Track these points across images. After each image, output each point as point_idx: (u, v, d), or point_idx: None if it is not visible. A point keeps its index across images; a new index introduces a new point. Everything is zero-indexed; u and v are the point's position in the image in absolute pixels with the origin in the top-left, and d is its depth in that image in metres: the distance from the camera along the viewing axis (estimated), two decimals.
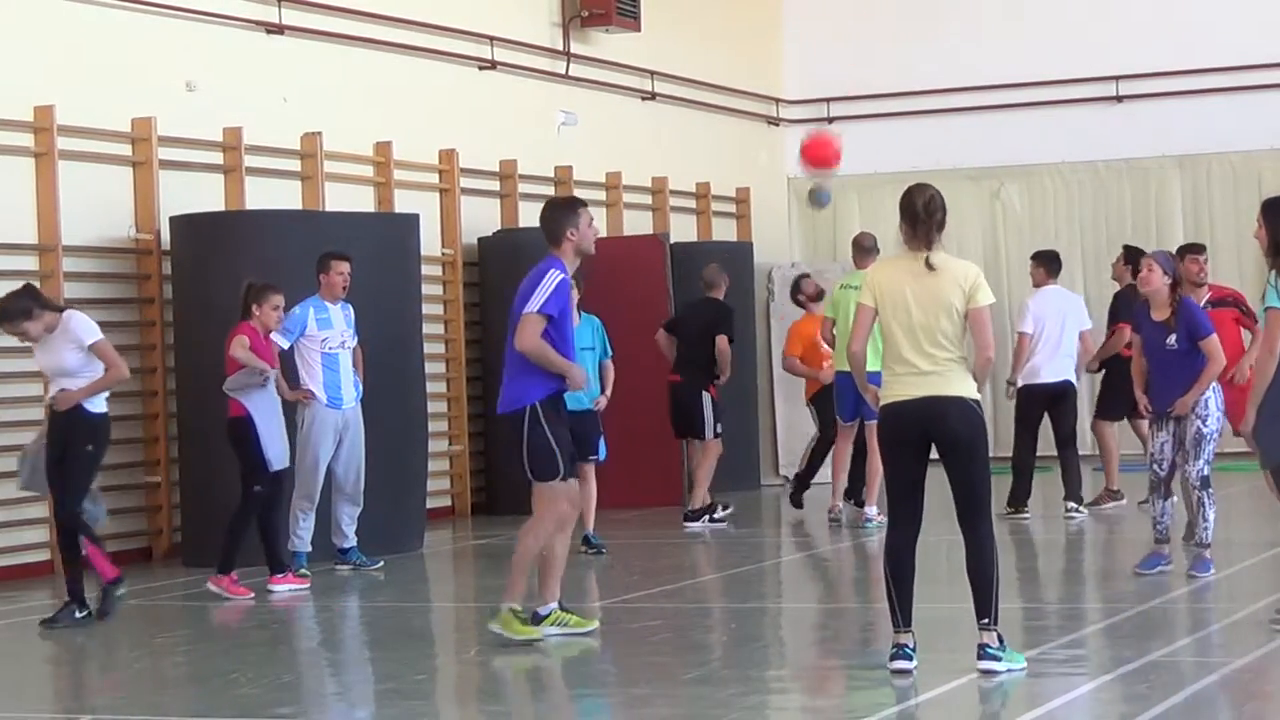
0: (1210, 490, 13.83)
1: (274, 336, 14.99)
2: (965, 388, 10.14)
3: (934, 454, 10.23)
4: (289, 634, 13.54)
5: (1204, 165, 25.66)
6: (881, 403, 10.33)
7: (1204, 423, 13.75)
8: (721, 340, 18.76)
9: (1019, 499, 18.45)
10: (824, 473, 19.07)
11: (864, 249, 18.48)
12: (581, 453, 15.25)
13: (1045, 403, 18.49)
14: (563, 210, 12.21)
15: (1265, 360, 11.34)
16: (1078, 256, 25.03)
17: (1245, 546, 15.65)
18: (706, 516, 18.76)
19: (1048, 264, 18.94)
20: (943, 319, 10.08)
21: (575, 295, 13.37)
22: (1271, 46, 25.14)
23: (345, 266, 15.67)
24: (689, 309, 19.62)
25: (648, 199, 23.91)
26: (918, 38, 26.45)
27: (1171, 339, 13.73)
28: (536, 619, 11.96)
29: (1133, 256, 17.47)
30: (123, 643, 12.99)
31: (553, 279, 11.73)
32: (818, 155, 11.89)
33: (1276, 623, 11.36)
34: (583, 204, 12.35)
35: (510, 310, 11.99)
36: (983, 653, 10.16)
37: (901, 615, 10.30)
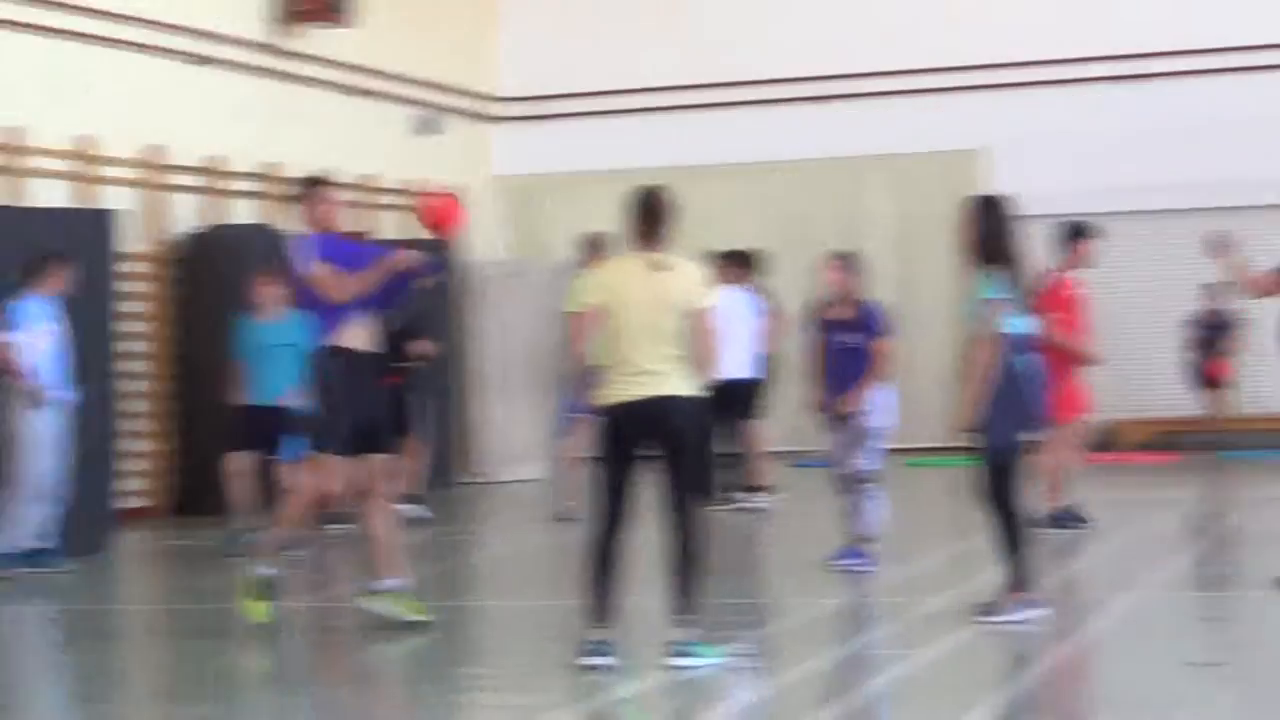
0: (871, 485, 14.12)
1: (5, 336, 14.83)
2: (688, 386, 10.27)
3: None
4: None
5: (903, 164, 26.15)
6: (606, 402, 10.39)
7: (868, 419, 14.05)
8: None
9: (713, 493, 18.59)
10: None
11: (596, 247, 18.47)
12: (274, 446, 15.69)
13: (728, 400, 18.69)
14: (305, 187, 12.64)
15: (983, 354, 11.54)
16: (779, 257, 25.16)
17: (935, 539, 15.94)
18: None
19: (737, 263, 19.02)
20: (669, 319, 10.20)
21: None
22: (963, 49, 25.63)
23: (66, 268, 15.41)
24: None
25: (359, 196, 23.72)
26: (633, 37, 26.55)
27: (849, 337, 14.01)
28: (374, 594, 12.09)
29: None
30: None
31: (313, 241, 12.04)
32: (438, 218, 11.89)
33: (980, 616, 11.56)
34: (322, 181, 12.75)
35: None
36: (679, 648, 10.24)
37: (601, 611, 10.34)
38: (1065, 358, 15.28)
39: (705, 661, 10.24)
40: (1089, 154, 25.05)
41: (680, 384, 10.28)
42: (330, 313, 11.90)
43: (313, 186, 12.64)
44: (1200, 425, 23.95)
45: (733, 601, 13.09)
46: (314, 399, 12.07)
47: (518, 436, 22.28)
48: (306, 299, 12.09)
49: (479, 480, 21.60)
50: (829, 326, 14.25)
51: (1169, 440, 24.04)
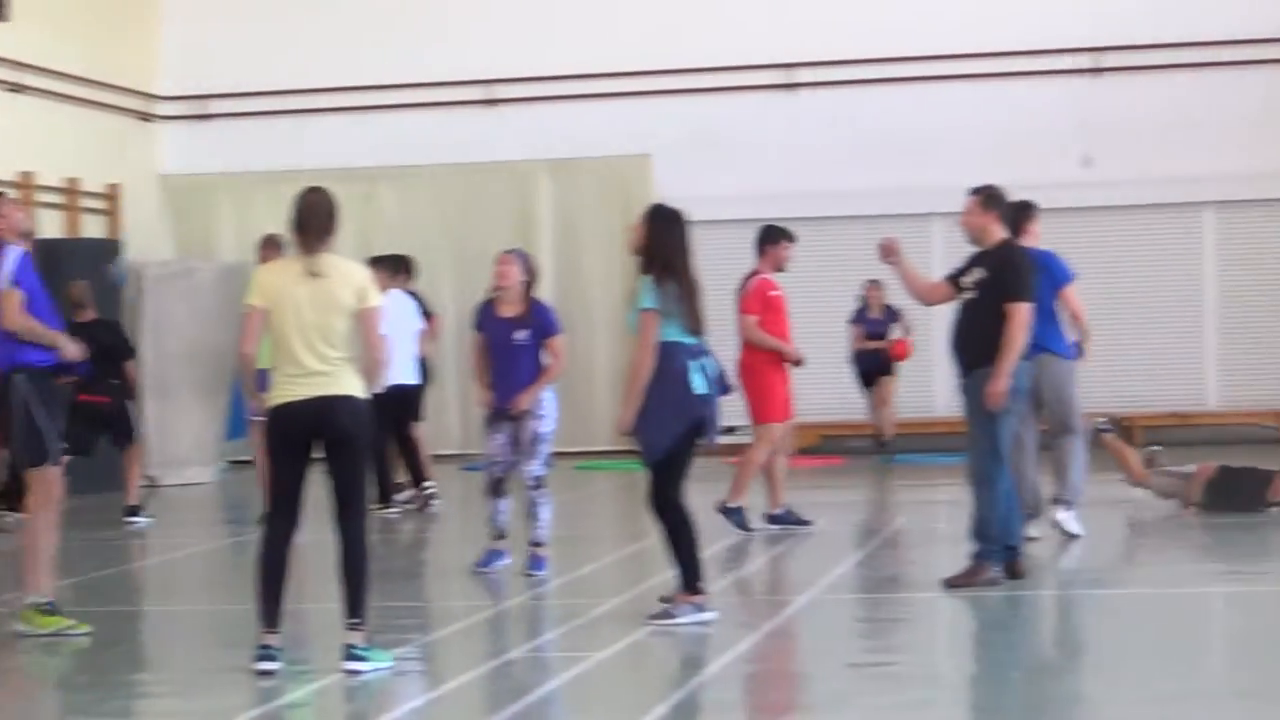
0: (545, 490, 14.03)
1: None
2: (355, 387, 10.22)
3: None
4: None
5: (573, 169, 26.04)
6: (272, 403, 10.30)
7: (541, 422, 14.00)
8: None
9: (385, 496, 18.51)
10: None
11: (275, 246, 18.29)
12: None
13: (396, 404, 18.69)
14: None
15: (641, 360, 11.52)
16: (449, 259, 25.16)
17: (606, 542, 15.98)
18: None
19: (391, 268, 18.93)
20: (335, 320, 10.16)
21: None
22: (629, 56, 25.72)
23: None
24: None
25: (15, 193, 23.25)
26: (295, 37, 26.36)
27: (520, 334, 13.93)
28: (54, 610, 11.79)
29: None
30: None
31: (13, 256, 11.72)
32: None
33: (652, 618, 11.58)
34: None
35: None
36: (349, 653, 10.14)
37: (270, 615, 10.23)
38: (772, 359, 15.54)
39: (374, 666, 10.19)
40: (751, 161, 25.32)
41: (347, 385, 10.27)
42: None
43: None
44: (865, 429, 24.35)
45: (404, 605, 13.08)
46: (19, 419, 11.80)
47: (186, 439, 21.98)
48: None
49: (147, 484, 21.24)
50: (499, 324, 14.17)
51: (834, 445, 24.37)
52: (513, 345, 13.88)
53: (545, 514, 14.02)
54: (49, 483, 11.82)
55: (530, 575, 13.80)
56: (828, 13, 25.37)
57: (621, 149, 25.80)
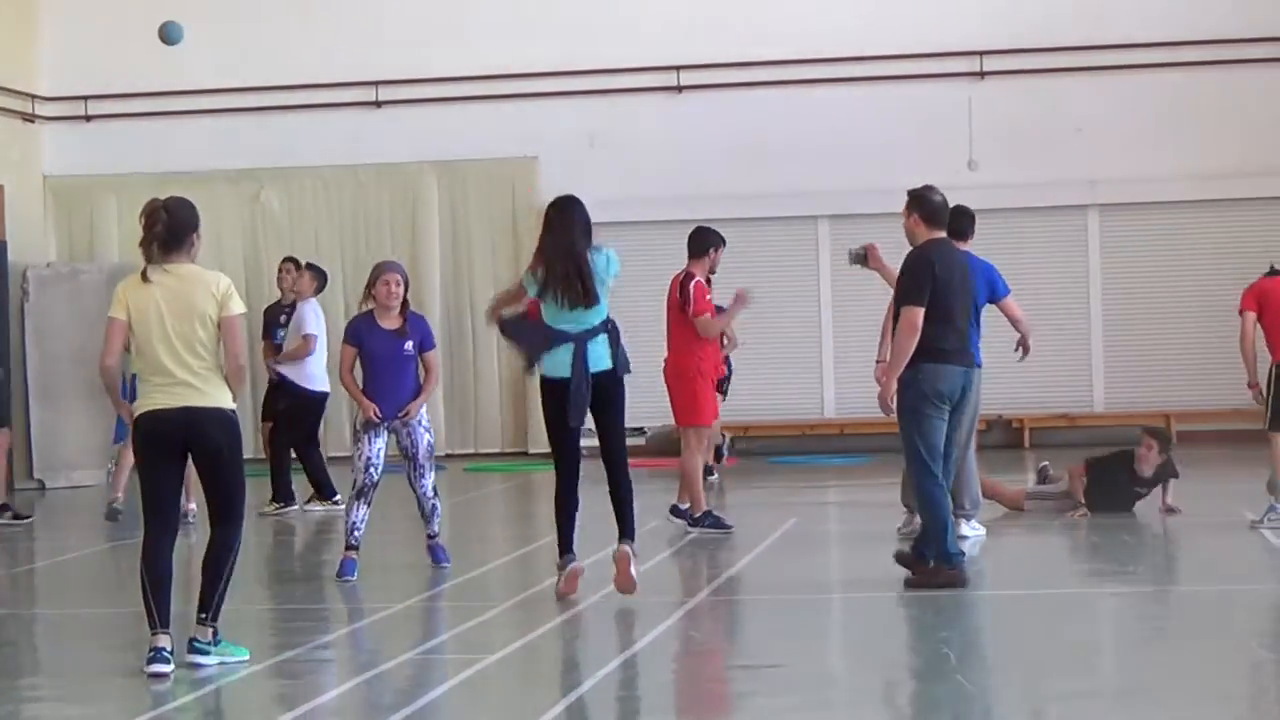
0: (435, 502, 14.22)
1: None
2: (222, 398, 10.34)
3: None
4: None
5: (461, 171, 26.02)
6: (139, 412, 10.39)
7: (430, 433, 14.24)
8: None
9: (282, 496, 18.50)
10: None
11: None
12: None
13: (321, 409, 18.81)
14: None
15: None
16: (337, 260, 25.07)
17: (498, 543, 16.02)
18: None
19: (320, 275, 18.96)
20: (198, 328, 10.23)
21: None
22: (518, 57, 25.67)
23: None
24: None
25: None
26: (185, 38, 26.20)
27: (406, 346, 14.07)
28: None
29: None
30: None
31: None
32: None
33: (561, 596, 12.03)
34: None
35: None
36: (192, 646, 10.35)
37: (160, 618, 10.31)
38: (701, 366, 15.65)
39: (219, 659, 10.38)
40: (638, 163, 25.32)
41: (213, 395, 10.37)
42: None
43: None
44: (749, 430, 24.47)
45: (296, 608, 13.10)
46: None
47: (73, 442, 21.86)
48: None
49: (33, 487, 21.14)
50: (384, 336, 14.21)
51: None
52: (400, 357, 13.99)
53: (439, 516, 14.27)
54: None
55: (442, 566, 14.01)
56: (714, 16, 25.40)
57: (509, 151, 25.80)
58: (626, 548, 12.17)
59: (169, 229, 10.33)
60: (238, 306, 10.33)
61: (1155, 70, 24.82)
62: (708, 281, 15.94)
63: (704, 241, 16.00)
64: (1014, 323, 15.11)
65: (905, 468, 13.12)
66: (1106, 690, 9.52)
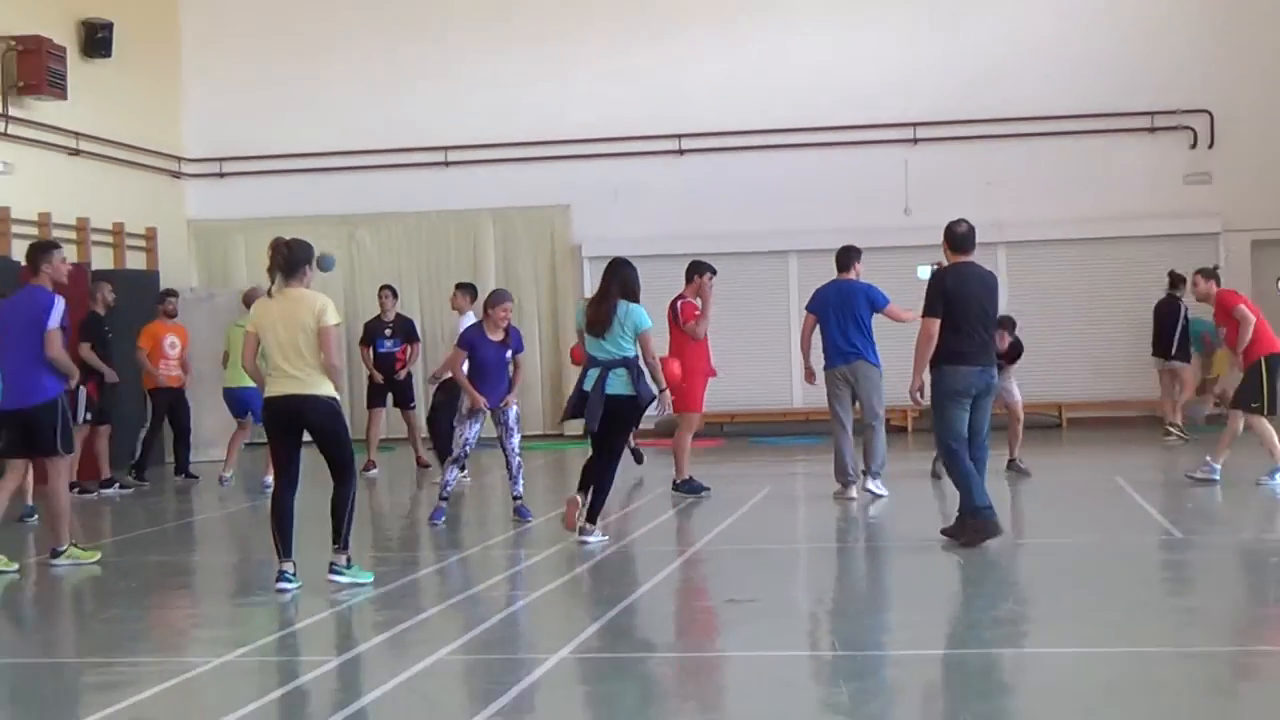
0: (520, 462, 14.68)
1: None
2: (322, 388, 10.72)
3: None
4: None
5: (510, 216, 26.10)
6: (264, 397, 10.89)
7: (517, 408, 14.76)
8: (84, 347, 18.27)
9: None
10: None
11: (251, 297, 18.55)
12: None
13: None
14: (44, 249, 12.59)
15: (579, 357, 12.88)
16: (415, 286, 25.18)
17: (544, 505, 16.08)
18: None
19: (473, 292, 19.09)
20: (301, 336, 10.60)
21: None
22: (553, 127, 25.79)
23: None
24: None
25: (73, 235, 23.24)
26: (292, 110, 26.33)
27: (507, 354, 14.62)
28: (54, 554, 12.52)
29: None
30: None
31: (61, 302, 12.29)
32: None
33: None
34: (57, 245, 12.86)
35: (6, 325, 12.32)
36: (332, 568, 10.86)
37: (284, 548, 10.83)
38: (694, 365, 15.63)
39: (351, 579, 10.85)
40: (648, 209, 25.31)
41: (313, 386, 10.74)
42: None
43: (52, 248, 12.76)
44: (735, 417, 24.62)
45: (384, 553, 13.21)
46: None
47: (210, 426, 21.89)
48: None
49: (169, 462, 21.14)
50: (492, 346, 14.61)
51: (712, 428, 24.57)
52: (502, 362, 14.59)
53: (522, 478, 14.78)
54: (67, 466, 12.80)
55: (526, 521, 14.32)
56: (707, 92, 25.45)
57: (548, 200, 25.86)
58: (577, 497, 12.72)
59: (287, 260, 10.78)
60: (330, 319, 10.65)
61: (1046, 137, 24.89)
62: (694, 302, 16.04)
63: (692, 270, 16.21)
64: (899, 321, 15.40)
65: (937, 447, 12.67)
66: (987, 619, 9.57)
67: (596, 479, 12.72)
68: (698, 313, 15.88)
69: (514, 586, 11.13)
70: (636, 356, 12.48)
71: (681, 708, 7.54)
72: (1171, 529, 13.06)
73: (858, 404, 15.41)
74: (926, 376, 12.19)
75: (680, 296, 16.05)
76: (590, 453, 12.89)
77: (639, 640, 9.20)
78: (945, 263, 12.53)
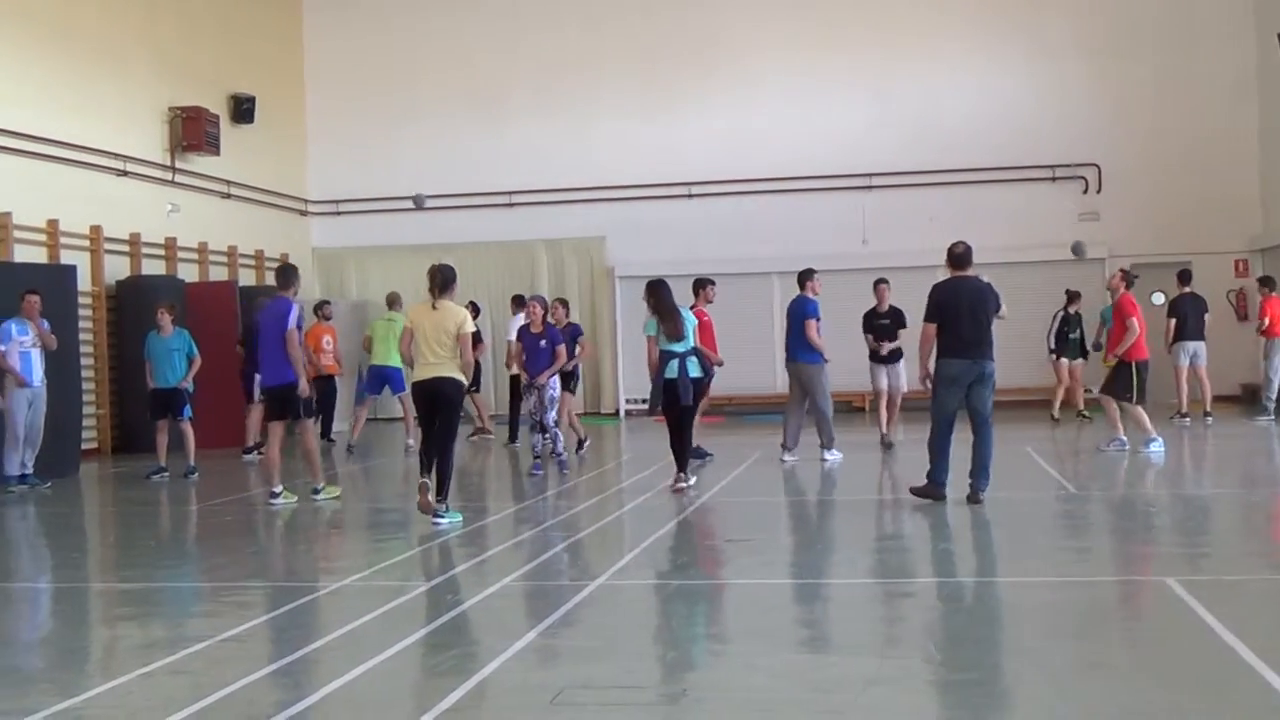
0: (556, 429, 15.01)
1: (0, 347, 14.42)
2: (454, 372, 11.13)
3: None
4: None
5: (559, 245, 26.15)
6: (413, 379, 11.36)
7: (554, 390, 15.12)
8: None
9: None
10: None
11: (393, 300, 19.66)
12: (173, 412, 15.39)
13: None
14: (290, 272, 13.22)
15: (650, 358, 12.92)
16: (486, 301, 25.18)
17: (586, 468, 16.08)
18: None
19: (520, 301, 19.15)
20: (444, 336, 11.05)
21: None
22: (591, 173, 25.81)
23: (36, 298, 15.02)
24: (246, 327, 19.55)
25: (224, 259, 23.40)
26: (392, 162, 26.49)
27: (542, 343, 14.90)
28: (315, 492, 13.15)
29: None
30: None
31: (297, 309, 12.90)
32: None
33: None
34: (296, 269, 13.40)
35: (264, 326, 13.02)
36: (435, 513, 11.09)
37: (425, 470, 11.30)
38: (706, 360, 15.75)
39: (449, 521, 11.01)
40: (665, 240, 25.46)
41: (448, 370, 11.16)
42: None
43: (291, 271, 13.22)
44: (733, 399, 24.66)
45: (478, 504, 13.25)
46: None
47: (339, 405, 21.97)
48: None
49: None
50: (532, 337, 15.08)
51: (715, 408, 24.66)
52: (538, 349, 14.64)
53: (560, 443, 15.12)
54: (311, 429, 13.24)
55: (564, 473, 14.70)
56: (710, 150, 25.58)
57: (588, 233, 25.99)
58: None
59: (442, 279, 11.26)
60: (469, 328, 11.18)
61: (972, 184, 25.01)
62: (704, 310, 15.93)
63: (699, 285, 16.23)
64: (811, 338, 15.30)
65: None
66: (945, 554, 9.61)
67: (683, 444, 12.99)
68: (706, 318, 15.84)
69: (560, 529, 11.15)
70: (696, 347, 12.99)
71: (691, 623, 7.56)
72: (1068, 485, 13.05)
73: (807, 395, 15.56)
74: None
75: (693, 305, 15.99)
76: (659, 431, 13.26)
77: (659, 570, 9.19)
78: (986, 278, 12.17)
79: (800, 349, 15.43)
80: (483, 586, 8.40)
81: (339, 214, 26.81)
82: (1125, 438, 15.49)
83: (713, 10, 25.92)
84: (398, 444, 19.56)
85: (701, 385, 13.12)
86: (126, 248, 20.86)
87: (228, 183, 23.58)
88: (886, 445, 16.80)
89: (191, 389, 16.18)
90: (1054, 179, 25.01)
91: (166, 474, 15.81)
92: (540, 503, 12.88)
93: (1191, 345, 19.63)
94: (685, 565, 9.48)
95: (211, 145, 22.52)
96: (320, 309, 20.15)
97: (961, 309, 11.57)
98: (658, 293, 12.98)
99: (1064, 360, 20.89)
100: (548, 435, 15.04)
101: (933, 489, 11.64)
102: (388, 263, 26.09)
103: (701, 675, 6.16)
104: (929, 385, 11.67)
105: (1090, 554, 9.53)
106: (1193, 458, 15.72)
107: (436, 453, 11.19)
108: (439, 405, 11.19)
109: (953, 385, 11.52)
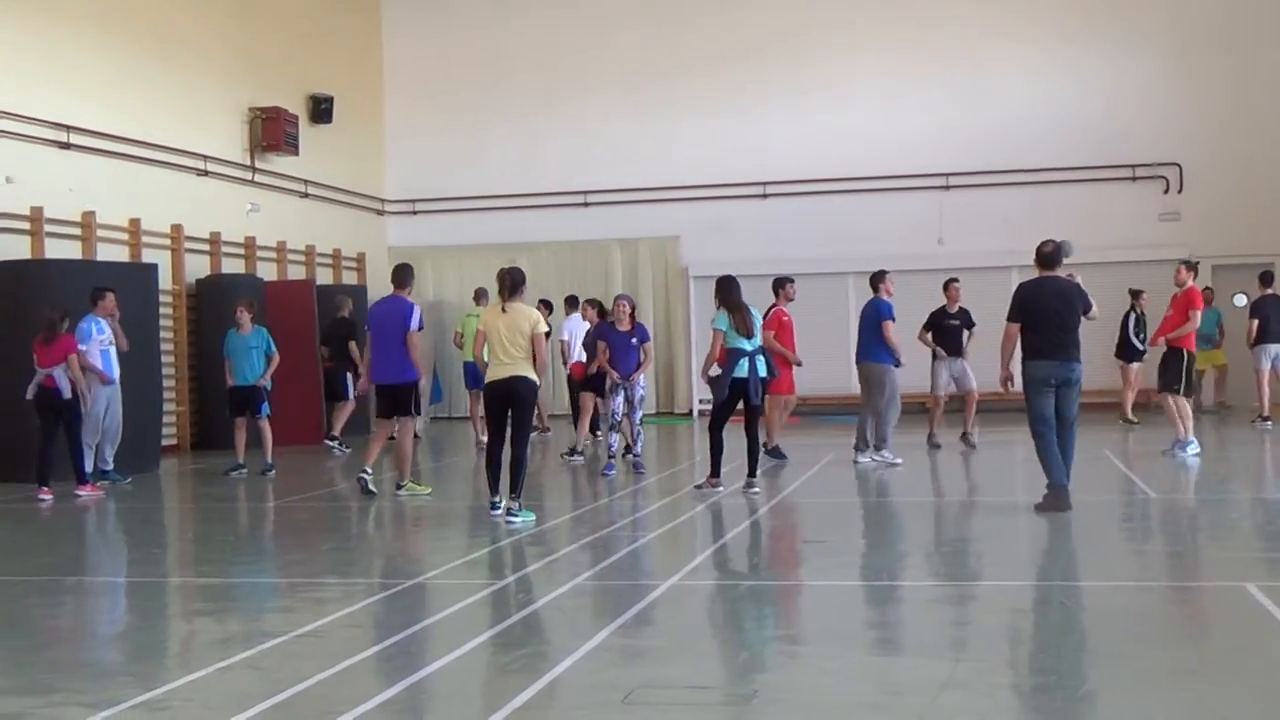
0: (641, 429, 15.13)
1: (82, 346, 14.60)
2: (528, 372, 11.22)
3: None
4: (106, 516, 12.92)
5: (633, 245, 26.14)
6: (487, 379, 11.39)
7: (643, 389, 15.13)
8: (353, 345, 18.86)
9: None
10: None
11: (480, 295, 19.71)
12: (252, 410, 15.56)
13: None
14: (407, 271, 13.45)
15: (715, 353, 12.78)
16: (560, 301, 25.29)
17: (662, 465, 16.07)
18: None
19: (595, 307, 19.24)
20: (518, 337, 11.16)
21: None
22: (667, 173, 25.77)
23: (112, 296, 15.20)
24: (333, 325, 19.79)
25: (302, 258, 23.61)
26: (466, 162, 26.59)
27: (633, 340, 14.93)
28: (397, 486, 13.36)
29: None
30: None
31: (419, 309, 13.17)
32: None
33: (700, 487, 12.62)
34: (411, 268, 13.56)
35: (380, 324, 13.17)
36: (509, 512, 11.18)
37: (493, 487, 11.43)
38: (782, 358, 15.58)
39: (522, 520, 11.08)
40: (740, 239, 25.36)
41: (521, 370, 11.27)
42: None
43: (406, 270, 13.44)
44: (806, 400, 24.49)
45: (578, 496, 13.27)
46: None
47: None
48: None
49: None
50: (619, 335, 15.05)
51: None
52: (628, 347, 14.64)
53: (642, 442, 15.25)
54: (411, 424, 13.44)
55: (640, 473, 14.68)
56: (785, 149, 25.46)
57: (662, 232, 25.95)
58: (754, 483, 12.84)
59: (512, 282, 11.39)
60: (541, 328, 11.24)
61: (1050, 184, 24.70)
62: (785, 309, 15.86)
63: (778, 283, 16.10)
64: (889, 339, 15.12)
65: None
66: (1014, 558, 9.51)
67: (752, 443, 12.91)
68: (786, 318, 15.74)
69: (632, 528, 11.15)
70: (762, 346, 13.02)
71: (763, 624, 7.53)
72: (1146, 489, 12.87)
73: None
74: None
75: (774, 305, 15.89)
76: (722, 422, 12.96)
77: (732, 570, 9.17)
78: (1075, 276, 11.95)
79: (871, 349, 15.29)
80: (554, 585, 8.42)
81: (415, 213, 26.97)
82: (1193, 438, 15.23)
83: (794, 10, 25.78)
84: (469, 441, 19.65)
85: (769, 382, 13.14)
86: (207, 247, 21.10)
87: (305, 182, 23.79)
88: (934, 446, 16.73)
89: (269, 386, 16.32)
90: (1134, 179, 24.67)
91: (244, 470, 15.99)
92: (613, 502, 12.87)
93: (1274, 348, 19.33)
94: (758, 566, 9.44)
95: (290, 145, 22.73)
96: None
97: (1048, 309, 11.21)
98: (728, 288, 12.92)
99: (1134, 365, 20.60)
100: (627, 434, 15.11)
101: (1055, 496, 11.03)
102: (463, 261, 26.23)
103: (772, 676, 6.13)
104: (1008, 387, 11.37)
105: (1168, 558, 9.40)
106: (1274, 461, 15.45)
107: (510, 452, 11.25)
108: (513, 404, 11.28)
109: (1042, 387, 11.10)
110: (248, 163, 22.32)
